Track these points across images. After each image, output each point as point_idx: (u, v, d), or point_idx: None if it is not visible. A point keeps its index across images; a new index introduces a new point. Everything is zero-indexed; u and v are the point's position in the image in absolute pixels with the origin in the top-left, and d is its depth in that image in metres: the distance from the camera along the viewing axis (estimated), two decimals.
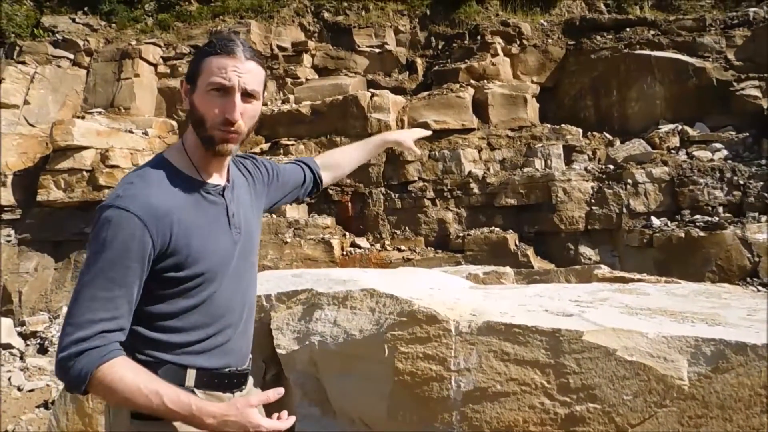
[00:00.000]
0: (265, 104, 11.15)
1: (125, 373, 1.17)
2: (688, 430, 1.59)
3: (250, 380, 1.55)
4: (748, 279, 7.37)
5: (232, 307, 1.42)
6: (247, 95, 1.35)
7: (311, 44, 11.71)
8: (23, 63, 10.57)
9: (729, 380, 1.58)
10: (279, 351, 2.27)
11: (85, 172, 9.59)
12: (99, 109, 10.63)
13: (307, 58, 11.60)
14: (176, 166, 1.36)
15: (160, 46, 11.47)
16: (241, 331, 1.47)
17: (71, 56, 11.13)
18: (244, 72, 1.33)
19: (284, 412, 1.29)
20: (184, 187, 1.33)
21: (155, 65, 11.32)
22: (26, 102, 10.28)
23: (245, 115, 1.35)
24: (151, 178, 1.31)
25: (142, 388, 1.17)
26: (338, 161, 1.94)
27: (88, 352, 1.16)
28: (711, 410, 1.58)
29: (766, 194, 7.90)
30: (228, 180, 1.45)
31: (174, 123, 10.87)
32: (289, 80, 11.35)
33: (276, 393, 1.28)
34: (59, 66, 10.94)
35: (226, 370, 1.42)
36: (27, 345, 7.93)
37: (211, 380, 1.37)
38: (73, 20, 11.83)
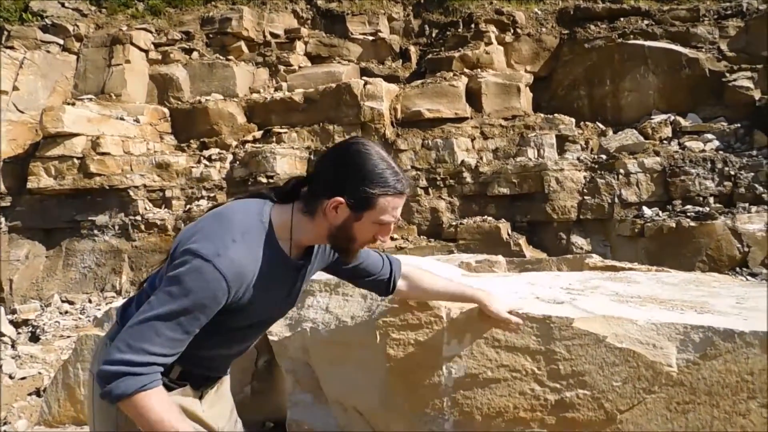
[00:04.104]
0: (257, 92, 11.09)
1: (155, 404, 1.26)
2: (676, 415, 1.61)
3: (226, 375, 1.64)
4: (738, 269, 7.44)
5: (250, 345, 1.57)
6: None
7: (304, 31, 11.61)
8: (12, 48, 10.43)
9: (717, 367, 1.59)
10: (271, 338, 2.27)
11: (75, 160, 9.51)
12: (90, 96, 10.52)
13: (300, 46, 11.51)
14: (276, 238, 1.38)
15: (151, 32, 11.34)
16: (241, 355, 1.60)
17: (61, 42, 10.99)
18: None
19: None
20: (273, 259, 1.37)
21: (146, 51, 11.20)
22: (15, 88, 10.16)
23: None
24: (254, 244, 1.34)
25: (165, 422, 1.26)
26: (424, 285, 1.79)
27: (131, 377, 1.25)
28: (699, 396, 1.60)
29: (756, 185, 7.96)
30: (308, 255, 1.50)
31: (166, 110, 10.78)
32: (281, 68, 11.27)
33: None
34: (49, 51, 10.80)
35: (207, 375, 1.53)
36: (18, 333, 7.90)
37: (190, 378, 1.47)
38: (63, 5, 11.67)
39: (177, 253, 1.31)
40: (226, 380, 1.64)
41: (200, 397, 1.51)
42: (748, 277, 6.95)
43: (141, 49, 11.09)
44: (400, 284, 1.76)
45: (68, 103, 10.14)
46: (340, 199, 1.33)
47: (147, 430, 1.28)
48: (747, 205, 7.86)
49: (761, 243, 7.46)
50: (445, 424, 1.83)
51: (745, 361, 1.57)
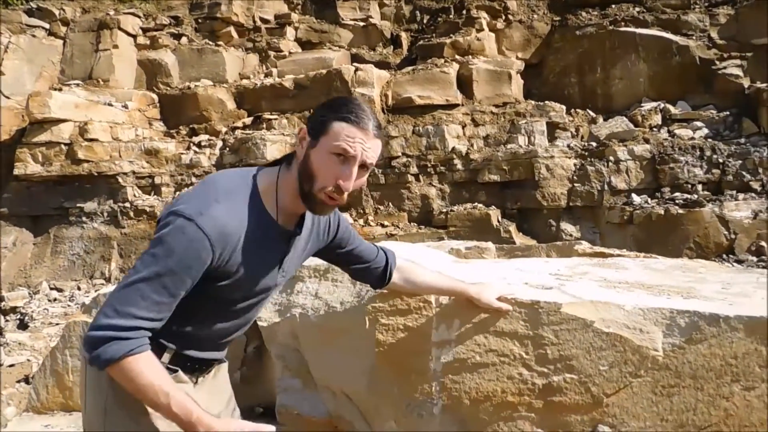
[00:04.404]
0: (247, 78, 11.00)
1: (145, 368, 1.25)
2: (661, 398, 1.62)
3: (223, 363, 1.63)
4: (725, 256, 7.51)
5: (240, 326, 1.52)
6: (363, 167, 1.37)
7: (294, 16, 11.50)
8: None
9: (701, 351, 1.61)
10: (260, 324, 2.27)
11: (63, 146, 9.39)
12: (77, 81, 10.38)
13: (290, 31, 11.41)
14: (262, 200, 1.38)
15: (139, 17, 11.19)
16: (235, 338, 1.56)
17: (47, 26, 10.81)
18: (369, 147, 1.35)
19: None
20: (259, 222, 1.36)
21: (134, 36, 11.05)
22: (0, 73, 10.01)
23: (355, 185, 1.38)
24: (237, 205, 1.34)
25: (155, 386, 1.24)
26: (416, 278, 1.78)
27: (118, 341, 1.24)
28: (683, 380, 1.62)
29: (744, 173, 8.02)
30: (299, 226, 1.48)
31: (154, 96, 10.67)
32: (271, 53, 11.17)
33: (269, 430, 1.33)
34: (34, 36, 10.62)
35: (202, 358, 1.49)
36: (6, 321, 7.85)
37: (183, 363, 1.44)
38: None
39: (162, 217, 1.31)
40: (224, 368, 1.62)
41: (195, 383, 1.48)
42: (735, 264, 7.02)
43: (129, 34, 10.94)
44: (395, 276, 1.75)
45: (55, 89, 10.01)
46: (305, 127, 1.37)
47: (137, 395, 1.27)
48: (734, 192, 7.93)
49: (748, 230, 7.54)
50: (434, 409, 1.84)
51: (729, 345, 1.59)
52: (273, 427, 1.34)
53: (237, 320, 1.49)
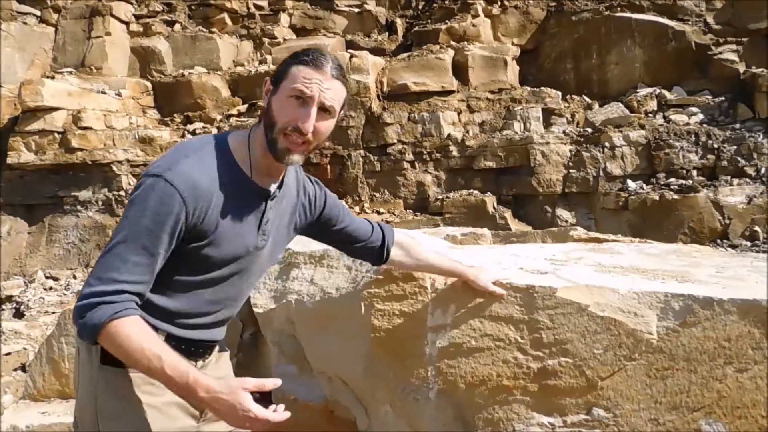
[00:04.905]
0: (241, 65, 10.92)
1: (133, 332, 1.22)
2: (655, 381, 1.64)
3: (225, 351, 1.61)
4: (719, 241, 7.55)
5: (229, 300, 1.48)
6: (324, 110, 1.36)
7: (289, 3, 11.41)
8: None
9: (695, 334, 1.62)
10: (256, 310, 2.27)
11: (56, 134, 9.33)
12: (69, 69, 10.30)
13: (284, 17, 11.32)
14: (234, 156, 1.38)
15: (131, 3, 11.08)
16: (227, 317, 1.53)
17: (38, 13, 10.70)
18: (327, 87, 1.34)
19: (281, 406, 1.29)
20: (232, 179, 1.36)
21: (127, 23, 10.95)
22: None
23: (317, 129, 1.36)
24: (206, 159, 1.34)
25: (145, 349, 1.21)
26: (417, 255, 1.79)
27: (103, 306, 1.21)
28: (677, 362, 1.63)
29: (739, 158, 8.04)
30: (279, 187, 1.46)
31: (148, 84, 10.59)
32: (266, 40, 11.09)
33: (273, 383, 1.29)
34: (25, 23, 10.51)
35: (196, 339, 1.46)
36: (2, 309, 7.85)
37: (177, 346, 1.40)
38: None
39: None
40: (225, 356, 1.61)
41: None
42: (729, 249, 7.06)
43: (121, 21, 10.84)
44: (395, 252, 1.75)
45: (47, 77, 9.92)
46: (269, 79, 1.39)
47: (129, 362, 1.25)
48: (729, 178, 7.95)
49: (742, 215, 7.57)
50: (430, 393, 1.85)
51: (722, 327, 1.60)
52: (279, 381, 1.30)
53: (221, 289, 1.44)
